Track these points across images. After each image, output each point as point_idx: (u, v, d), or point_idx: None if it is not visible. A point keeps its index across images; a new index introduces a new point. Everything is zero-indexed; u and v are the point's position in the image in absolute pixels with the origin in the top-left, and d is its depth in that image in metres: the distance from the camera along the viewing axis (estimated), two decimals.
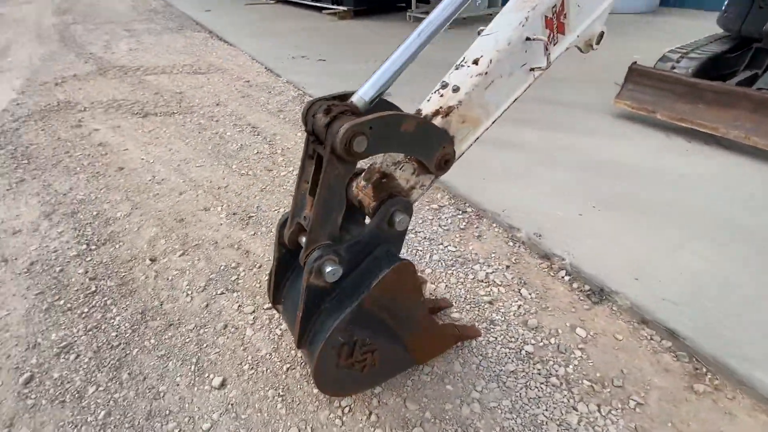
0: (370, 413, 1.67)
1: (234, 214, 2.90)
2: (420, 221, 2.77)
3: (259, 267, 2.42)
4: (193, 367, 1.87)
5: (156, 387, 1.79)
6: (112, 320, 2.09)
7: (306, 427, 1.63)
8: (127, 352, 1.94)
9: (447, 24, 1.23)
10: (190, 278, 2.36)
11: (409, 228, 1.89)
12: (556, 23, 1.35)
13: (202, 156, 3.69)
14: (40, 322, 2.09)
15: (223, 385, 1.79)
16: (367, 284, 1.24)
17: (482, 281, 2.29)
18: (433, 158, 1.26)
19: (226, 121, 4.38)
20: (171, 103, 4.88)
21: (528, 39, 1.27)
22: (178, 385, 1.79)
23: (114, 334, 2.02)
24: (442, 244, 2.57)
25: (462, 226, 2.72)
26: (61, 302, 2.21)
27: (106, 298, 2.22)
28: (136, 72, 6.05)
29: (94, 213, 2.93)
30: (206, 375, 1.83)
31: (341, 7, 9.65)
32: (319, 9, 10.21)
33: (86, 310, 2.16)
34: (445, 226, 2.73)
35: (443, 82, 1.32)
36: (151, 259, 2.49)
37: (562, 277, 2.29)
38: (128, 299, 2.22)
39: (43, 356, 1.92)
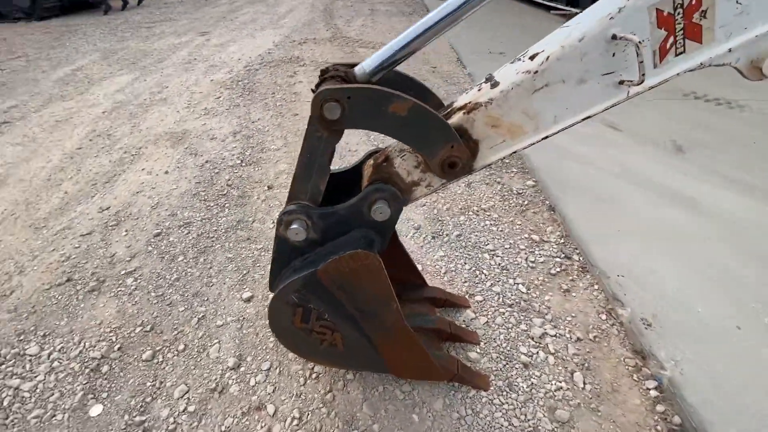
0: (330, 391, 1.66)
1: None
2: (507, 246, 2.42)
3: None
4: (240, 276, 2.23)
5: (212, 277, 2.22)
6: (219, 219, 2.67)
7: (278, 366, 1.75)
8: (213, 245, 2.46)
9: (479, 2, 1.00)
10: None
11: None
12: (683, 23, 0.92)
13: None
14: (185, 201, 2.86)
15: (249, 300, 2.08)
16: (326, 259, 1.21)
17: (533, 339, 1.87)
18: (435, 156, 1.09)
19: None
20: None
21: (615, 38, 0.92)
22: (224, 283, 2.18)
23: (214, 229, 2.59)
24: (514, 278, 2.20)
25: (553, 272, 2.24)
26: (203, 193, 2.94)
27: (226, 202, 2.84)
28: (354, 44, 7.07)
29: (259, 141, 3.70)
30: (244, 287, 2.16)
31: (574, 9, 8.73)
32: (548, 8, 9.50)
33: (212, 204, 2.82)
34: (533, 262, 2.31)
35: (489, 74, 1.10)
36: (268, 187, 3.02)
37: (647, 390, 1.66)
38: (237, 209, 2.78)
39: (171, 223, 2.63)
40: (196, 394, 1.65)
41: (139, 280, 2.20)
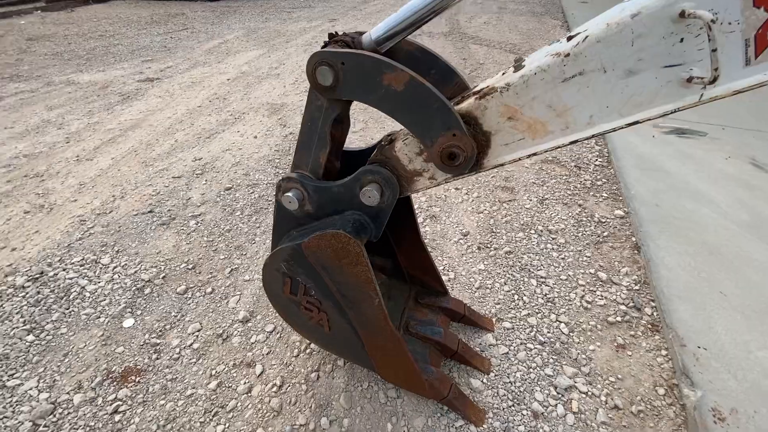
0: (317, 371, 1.64)
1: None
2: (563, 277, 2.08)
3: None
4: None
5: (256, 236, 2.37)
6: None
7: (281, 331, 1.79)
8: (268, 208, 2.62)
9: None
10: None
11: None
12: None
13: None
14: (260, 165, 3.10)
15: None
16: (313, 233, 1.16)
17: (555, 388, 1.58)
18: (434, 144, 0.95)
19: None
20: (463, 67, 5.33)
21: (685, 15, 0.67)
22: (264, 243, 2.31)
23: (273, 193, 2.76)
24: (558, 314, 1.88)
25: (612, 320, 1.86)
26: (277, 161, 3.16)
27: None
28: (469, 40, 6.82)
29: None
30: None
31: None
32: None
33: (280, 172, 3.01)
34: (589, 303, 1.95)
35: (519, 57, 0.91)
36: None
37: None
38: None
39: (242, 182, 2.88)
40: (204, 335, 1.78)
41: (199, 224, 2.47)
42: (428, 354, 1.60)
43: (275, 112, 4.06)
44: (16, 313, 1.86)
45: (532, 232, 2.41)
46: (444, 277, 2.08)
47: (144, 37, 7.89)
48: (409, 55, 1.08)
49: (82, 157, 3.28)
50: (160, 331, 1.80)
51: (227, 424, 1.46)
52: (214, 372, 1.63)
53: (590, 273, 2.12)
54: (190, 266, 2.15)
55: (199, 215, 2.55)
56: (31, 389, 1.55)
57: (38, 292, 1.97)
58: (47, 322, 1.83)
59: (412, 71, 0.89)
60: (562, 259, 2.21)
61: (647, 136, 3.50)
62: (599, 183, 2.88)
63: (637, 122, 0.81)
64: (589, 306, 1.93)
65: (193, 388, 1.57)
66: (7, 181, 2.96)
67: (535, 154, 0.94)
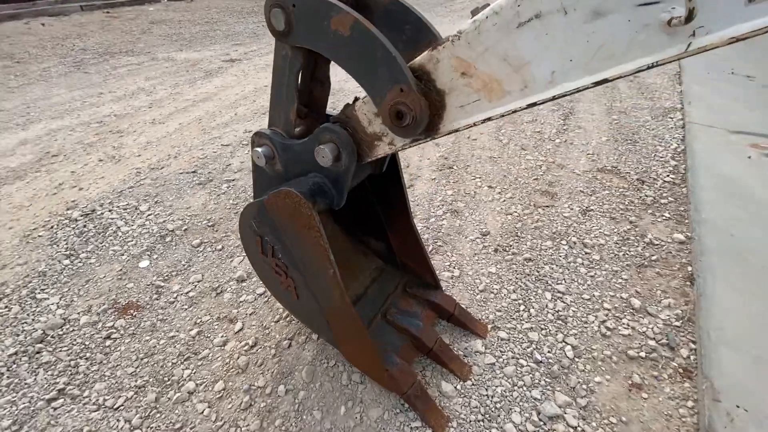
0: (290, 339, 1.63)
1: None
2: (586, 297, 1.81)
3: None
4: None
5: None
6: None
7: (269, 296, 1.82)
8: None
9: None
10: None
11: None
12: None
13: None
14: None
15: None
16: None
17: (538, 414, 1.37)
18: (383, 100, 0.86)
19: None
20: None
21: None
22: None
23: None
24: (566, 335, 1.64)
25: (633, 354, 1.57)
26: None
27: None
28: None
29: None
30: None
31: None
32: None
33: None
34: (610, 330, 1.67)
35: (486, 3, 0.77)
36: None
37: None
38: None
39: None
40: (202, 287, 1.88)
41: (230, 188, 2.61)
42: (401, 346, 1.50)
43: (333, 95, 4.16)
44: (63, 240, 2.15)
45: (563, 242, 2.14)
46: (447, 274, 1.94)
47: (240, 25, 8.64)
48: (385, 9, 1.00)
49: (157, 121, 3.68)
50: (167, 276, 1.94)
51: (194, 371, 1.51)
52: (198, 321, 1.71)
53: (621, 297, 1.81)
54: (211, 224, 2.28)
55: (233, 180, 2.70)
56: (52, 304, 1.77)
57: (84, 226, 2.25)
58: (83, 252, 2.08)
59: (361, 16, 0.82)
60: (591, 276, 1.93)
61: (742, 156, 2.91)
62: (663, 201, 2.46)
63: (606, 80, 0.64)
64: (609, 333, 1.66)
65: (177, 331, 1.66)
66: (96, 134, 3.44)
67: (490, 119, 0.80)
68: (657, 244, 2.13)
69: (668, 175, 2.74)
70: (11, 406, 1.39)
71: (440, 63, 0.80)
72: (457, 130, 0.86)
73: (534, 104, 0.73)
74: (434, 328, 1.61)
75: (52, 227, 2.25)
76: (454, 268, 1.98)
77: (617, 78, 0.64)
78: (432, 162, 2.90)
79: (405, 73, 0.81)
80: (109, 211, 2.38)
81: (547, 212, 2.37)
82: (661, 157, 2.95)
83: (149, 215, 2.35)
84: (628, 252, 2.08)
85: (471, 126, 0.84)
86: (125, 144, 3.25)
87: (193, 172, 2.81)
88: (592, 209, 2.40)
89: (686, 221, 2.29)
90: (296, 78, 1.04)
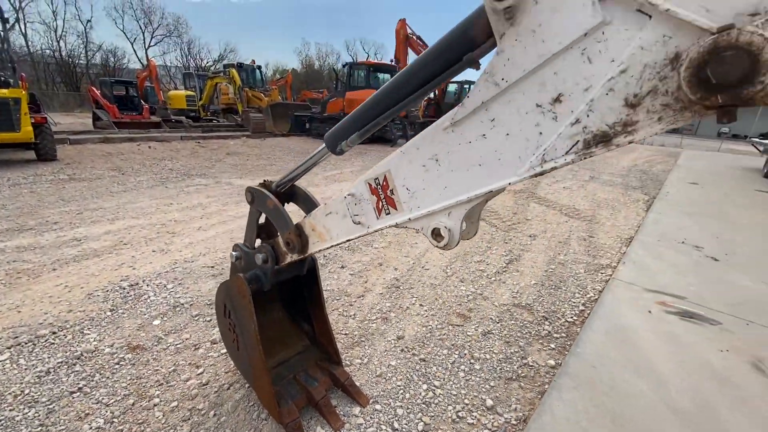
0: (228, 387, 2.34)
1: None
2: (452, 394, 2.41)
3: None
4: None
5: None
6: None
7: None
8: None
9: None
10: None
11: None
12: (383, 195, 1.42)
13: None
14: None
15: None
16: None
17: None
18: (283, 236, 1.84)
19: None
20: (509, 218, 6.02)
21: (352, 195, 1.52)
22: None
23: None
24: (424, 414, 2.22)
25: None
26: None
27: None
28: (533, 199, 7.56)
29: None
30: None
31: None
32: None
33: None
34: (459, 417, 2.23)
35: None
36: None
37: None
38: None
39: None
40: (187, 342, 2.70)
41: None
42: (298, 397, 2.17)
43: None
44: (111, 300, 3.14)
45: (456, 353, 2.79)
46: (358, 360, 2.64)
47: (292, 163, 10.93)
48: (299, 193, 2.08)
49: (202, 228, 4.99)
50: (168, 331, 2.80)
51: (162, 391, 2.25)
52: (176, 363, 2.49)
53: (481, 398, 2.39)
54: (209, 303, 3.21)
55: None
56: (91, 337, 2.66)
57: (128, 293, 3.26)
58: (121, 309, 3.03)
59: (277, 200, 1.88)
60: (466, 380, 2.54)
61: (644, 310, 3.52)
62: (556, 336, 3.09)
63: (350, 240, 1.60)
64: (458, 420, 2.22)
65: (160, 367, 2.45)
66: (157, 232, 4.75)
67: (329, 248, 1.75)
68: (532, 366, 2.72)
69: (572, 317, 3.38)
70: (50, 392, 2.19)
71: (305, 224, 1.80)
72: (319, 251, 1.81)
73: (336, 245, 1.68)
74: (326, 391, 2.27)
75: (107, 291, 3.28)
76: (365, 357, 2.68)
77: (355, 239, 1.58)
78: (386, 281, 3.78)
79: (292, 226, 1.81)
80: (147, 285, 3.41)
81: (456, 329, 3.07)
82: (574, 303, 3.63)
83: (171, 291, 3.34)
84: (505, 368, 2.68)
85: (323, 250, 1.79)
86: (174, 242, 4.48)
87: (212, 266, 3.87)
88: (493, 333, 3.06)
89: (565, 353, 2.88)
90: (256, 221, 2.09)
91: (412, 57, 20.25)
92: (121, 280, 3.48)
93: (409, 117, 20.37)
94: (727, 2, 0.72)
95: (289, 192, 2.08)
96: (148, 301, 3.18)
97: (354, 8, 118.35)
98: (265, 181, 2.10)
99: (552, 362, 2.74)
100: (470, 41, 1.11)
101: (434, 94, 22.63)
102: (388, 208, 1.43)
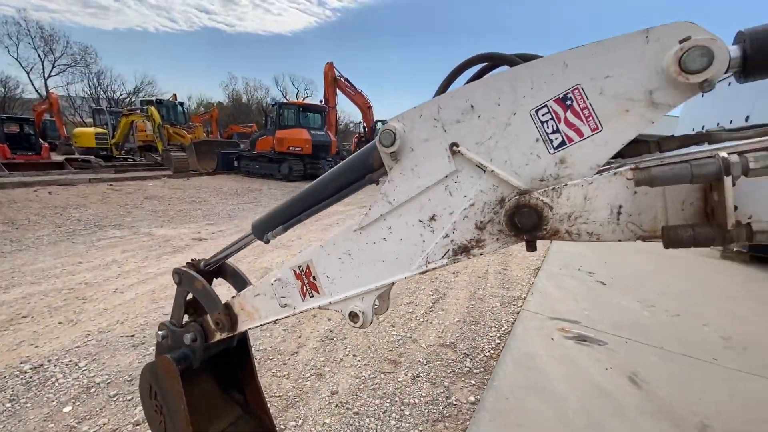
0: None
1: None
2: None
3: None
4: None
5: None
6: None
7: None
8: None
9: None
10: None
11: None
12: (307, 280, 1.62)
13: None
14: None
15: None
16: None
17: None
18: (212, 317, 1.93)
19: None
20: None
21: (279, 279, 1.70)
22: None
23: None
24: None
25: None
26: None
27: None
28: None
29: None
30: None
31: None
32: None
33: None
34: None
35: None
36: None
37: None
38: None
39: None
40: (105, 428, 2.53)
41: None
42: None
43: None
44: (10, 388, 2.82)
45: (388, 401, 2.98)
46: (293, 423, 2.70)
47: (220, 206, 10.59)
48: (229, 270, 2.19)
49: (118, 290, 4.66)
50: (82, 418, 2.60)
51: None
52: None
53: None
54: (129, 378, 3.03)
55: None
56: None
57: (30, 377, 2.95)
58: (23, 398, 2.74)
59: (205, 281, 1.98)
60: (397, 427, 2.72)
61: (547, 338, 4.05)
62: (476, 371, 3.43)
63: (277, 320, 1.75)
64: None
65: None
66: (63, 300, 4.33)
67: (257, 326, 1.87)
68: (455, 404, 2.99)
69: (489, 351, 3.78)
70: None
71: (235, 303, 1.92)
72: (249, 329, 1.92)
73: (266, 324, 1.82)
74: None
75: (4, 378, 2.94)
76: (299, 419, 2.74)
77: (282, 319, 1.75)
78: (320, 334, 3.88)
79: (221, 306, 1.91)
80: (54, 365, 3.11)
81: (387, 377, 3.27)
82: (491, 337, 4.05)
83: (84, 370, 3.09)
84: (432, 410, 2.92)
85: (252, 328, 1.90)
86: (85, 309, 4.13)
87: (132, 335, 3.65)
88: (422, 376, 3.31)
89: (484, 387, 3.21)
90: (184, 300, 2.14)
91: (341, 97, 21.16)
92: (22, 363, 3.13)
93: (341, 154, 20.91)
94: (527, 170, 1.08)
95: (217, 269, 2.17)
96: (57, 384, 2.91)
97: (283, 44, 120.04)
98: (192, 260, 2.17)
99: (472, 398, 3.05)
100: (370, 165, 1.40)
101: (365, 132, 23.63)
102: (311, 292, 1.63)
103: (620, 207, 0.94)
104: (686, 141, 0.98)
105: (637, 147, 1.01)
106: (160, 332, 2.17)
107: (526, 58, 1.13)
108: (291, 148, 17.46)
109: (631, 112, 0.92)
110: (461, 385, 3.22)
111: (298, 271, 1.64)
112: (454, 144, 1.16)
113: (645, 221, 0.92)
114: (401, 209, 1.32)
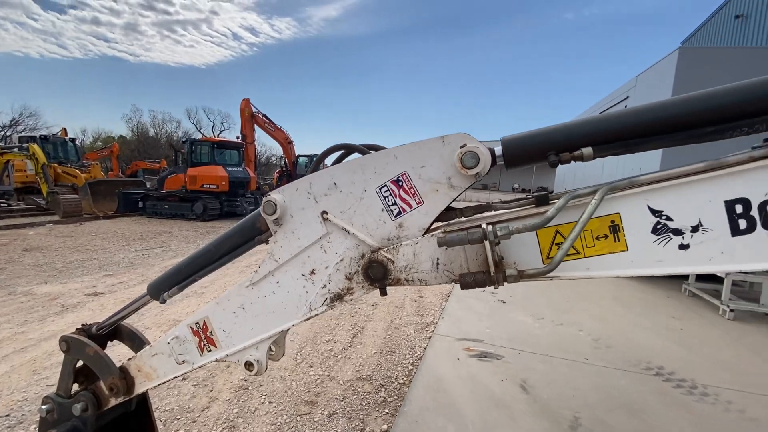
0: None
1: None
2: None
3: None
4: None
5: None
6: None
7: None
8: None
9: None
10: None
11: None
12: (204, 336, 1.74)
13: None
14: None
15: None
16: None
17: None
18: (105, 382, 1.90)
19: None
20: None
21: (176, 337, 1.77)
22: None
23: None
24: None
25: None
26: None
27: None
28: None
29: None
30: None
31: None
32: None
33: None
34: None
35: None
36: None
37: None
38: None
39: None
40: None
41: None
42: None
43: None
44: None
45: None
46: None
47: (120, 253, 9.62)
48: (125, 331, 2.17)
49: None
50: None
51: None
52: None
53: None
54: None
55: None
56: None
57: None
58: None
59: (97, 346, 1.95)
60: None
61: (454, 358, 4.45)
62: (390, 400, 3.64)
63: (175, 377, 1.81)
64: None
65: None
66: None
67: (156, 386, 1.89)
68: None
69: (402, 379, 4.03)
70: None
71: (131, 366, 1.92)
72: (147, 389, 1.91)
73: (164, 382, 1.85)
74: None
75: None
76: None
77: (184, 375, 1.81)
78: (233, 384, 3.79)
79: (115, 370, 1.89)
80: None
81: (304, 419, 3.32)
82: (405, 365, 4.33)
83: None
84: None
85: (151, 388, 1.90)
86: None
87: (7, 415, 3.19)
88: (338, 412, 3.43)
89: (396, 414, 3.43)
90: (72, 369, 2.05)
91: (259, 133, 20.93)
92: None
93: (261, 189, 20.43)
94: (378, 232, 1.40)
95: (113, 331, 2.14)
96: None
97: (196, 77, 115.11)
98: (83, 325, 2.11)
99: (385, 426, 3.25)
100: (258, 229, 1.62)
101: (286, 167, 23.50)
102: (209, 347, 1.74)
103: (438, 259, 1.28)
104: (479, 209, 1.38)
105: (449, 214, 1.38)
106: (43, 407, 2.05)
107: (374, 148, 1.48)
108: (205, 186, 16.66)
109: (439, 191, 1.29)
110: (375, 416, 3.40)
111: (195, 328, 1.75)
112: (324, 212, 1.44)
113: (455, 268, 1.28)
114: (286, 266, 1.55)
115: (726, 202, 0.99)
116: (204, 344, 1.75)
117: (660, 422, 3.35)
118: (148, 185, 21.40)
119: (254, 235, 1.62)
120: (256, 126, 20.45)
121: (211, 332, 1.73)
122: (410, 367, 4.25)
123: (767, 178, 0.95)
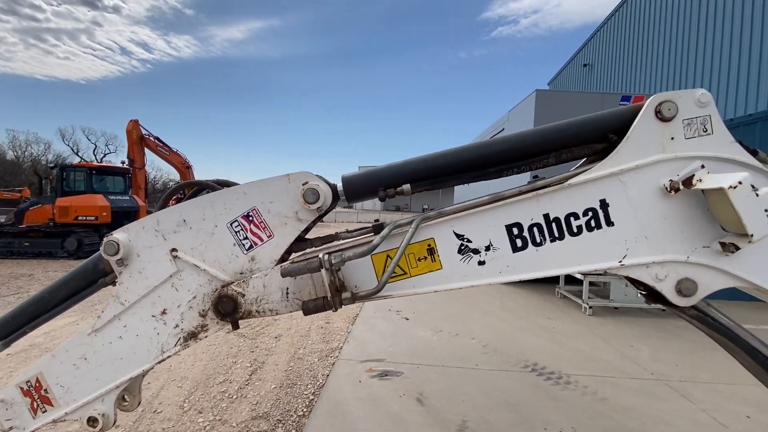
0: None
1: None
2: None
3: None
4: None
5: None
6: None
7: None
8: None
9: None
10: None
11: None
12: (37, 395, 1.54)
13: None
14: None
15: None
16: None
17: None
18: None
19: None
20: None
21: (2, 401, 1.53)
22: None
23: None
24: None
25: None
26: None
27: None
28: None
29: None
30: None
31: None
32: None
33: None
34: None
35: None
36: None
37: None
38: None
39: None
40: None
41: None
42: None
43: None
44: None
45: None
46: None
47: None
48: None
49: None
50: None
51: None
52: None
53: None
54: None
55: None
56: None
57: None
58: None
59: None
60: None
61: (356, 380, 4.49)
62: None
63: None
64: None
65: None
66: None
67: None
68: None
69: (302, 410, 3.93)
70: None
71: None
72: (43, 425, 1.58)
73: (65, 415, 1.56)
74: None
75: None
76: None
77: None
78: None
79: None
80: None
81: None
82: (306, 395, 4.23)
83: None
84: None
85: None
86: None
87: None
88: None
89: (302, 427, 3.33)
90: None
91: (150, 156, 19.02)
92: None
93: None
94: (231, 267, 1.43)
95: None
96: None
97: (73, 93, 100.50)
98: None
99: None
100: (102, 270, 1.52)
101: (184, 193, 21.55)
102: (44, 407, 1.55)
103: (287, 288, 1.36)
104: (327, 240, 1.51)
105: (302, 245, 1.48)
106: None
107: (225, 184, 1.52)
108: (81, 218, 14.47)
109: (288, 225, 1.38)
110: None
111: (26, 388, 1.55)
112: (174, 249, 1.42)
113: (304, 296, 1.36)
114: (134, 308, 1.47)
115: (506, 226, 1.25)
116: (38, 405, 1.55)
117: (533, 413, 3.81)
118: (2, 219, 17.82)
119: (98, 277, 1.52)
120: (148, 150, 18.59)
121: (45, 390, 1.54)
122: (311, 397, 4.18)
123: (531, 207, 1.24)
